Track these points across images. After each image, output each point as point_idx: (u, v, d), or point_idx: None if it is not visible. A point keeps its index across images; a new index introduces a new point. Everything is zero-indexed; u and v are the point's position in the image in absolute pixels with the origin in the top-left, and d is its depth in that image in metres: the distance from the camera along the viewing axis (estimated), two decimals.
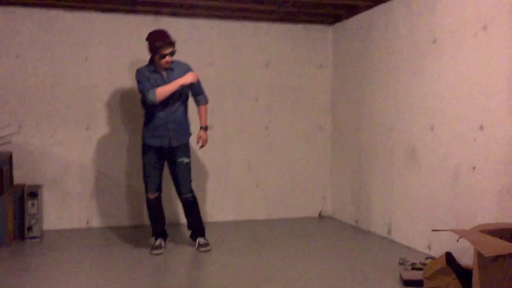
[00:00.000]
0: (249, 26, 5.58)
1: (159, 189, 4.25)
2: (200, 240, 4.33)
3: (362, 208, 5.16)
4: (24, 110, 4.97)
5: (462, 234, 2.58)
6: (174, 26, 5.22)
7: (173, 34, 5.19)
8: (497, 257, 2.49)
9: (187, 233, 4.52)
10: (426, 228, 4.13)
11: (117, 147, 5.23)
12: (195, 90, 4.33)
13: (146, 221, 5.30)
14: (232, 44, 5.54)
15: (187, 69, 4.20)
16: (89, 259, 4.12)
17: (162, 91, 4.02)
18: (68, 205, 5.10)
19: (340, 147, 5.64)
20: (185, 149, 4.23)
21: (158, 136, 4.10)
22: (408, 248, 4.35)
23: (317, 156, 5.82)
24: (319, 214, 5.84)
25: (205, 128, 4.38)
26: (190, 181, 4.28)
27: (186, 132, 4.24)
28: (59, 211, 5.07)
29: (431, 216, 4.10)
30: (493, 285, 2.60)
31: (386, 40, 4.72)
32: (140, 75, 4.11)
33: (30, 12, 4.96)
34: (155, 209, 4.27)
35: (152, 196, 4.22)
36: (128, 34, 5.21)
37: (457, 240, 3.00)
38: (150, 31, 5.16)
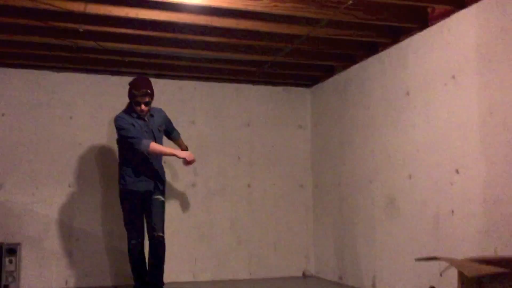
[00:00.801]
0: (231, 87, 5.78)
1: (142, 234, 4.22)
2: None
3: (346, 263, 5.15)
4: (7, 167, 4.98)
5: (444, 260, 2.62)
6: (159, 86, 5.36)
7: (158, 94, 5.38)
8: (480, 282, 2.53)
9: None
10: (411, 276, 4.14)
11: (99, 205, 5.21)
12: (170, 129, 4.63)
13: (127, 281, 5.20)
14: (214, 105, 5.72)
15: (163, 115, 4.51)
16: None
17: (157, 149, 4.15)
18: (47, 264, 4.99)
19: (322, 204, 5.70)
20: (162, 188, 4.29)
21: (144, 180, 4.12)
22: None
23: (299, 214, 5.86)
24: (303, 273, 5.79)
25: (186, 149, 4.63)
26: (164, 221, 4.26)
27: (163, 172, 4.38)
28: (37, 270, 4.95)
29: (416, 265, 4.11)
30: None
31: (362, 96, 4.93)
32: (122, 122, 4.19)
33: (16, 72, 5.09)
34: (138, 255, 4.23)
35: (135, 242, 4.19)
36: (112, 94, 5.34)
37: (440, 275, 3.04)
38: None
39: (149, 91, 4.17)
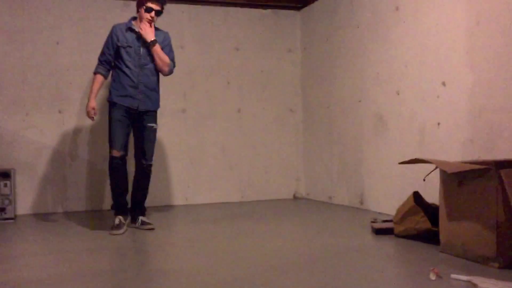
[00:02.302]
0: (219, 11, 5.69)
1: (124, 148, 4.03)
2: (143, 218, 4.13)
3: (335, 184, 5.26)
4: None
5: (426, 160, 2.69)
6: None
7: None
8: (461, 181, 2.60)
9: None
10: (397, 191, 4.25)
11: (90, 130, 5.24)
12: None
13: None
14: (203, 29, 5.64)
15: (165, 39, 4.13)
16: (60, 241, 3.80)
17: (92, 85, 4.07)
18: (42, 189, 5.07)
19: (312, 128, 5.75)
20: (154, 115, 4.13)
21: (127, 95, 4.00)
22: (380, 213, 4.45)
23: (290, 138, 5.92)
24: (294, 195, 5.91)
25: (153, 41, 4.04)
26: (153, 148, 4.16)
27: (156, 99, 4.14)
28: (33, 195, 5.04)
29: (401, 178, 4.21)
30: (459, 211, 2.71)
31: (351, 16, 4.88)
32: (109, 35, 4.07)
33: None
34: (118, 170, 4.03)
35: (116, 154, 3.99)
36: (98, 18, 5.26)
37: (424, 179, 3.12)
38: (120, 15, 5.27)
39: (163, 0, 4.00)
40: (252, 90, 5.81)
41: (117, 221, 3.98)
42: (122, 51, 4.01)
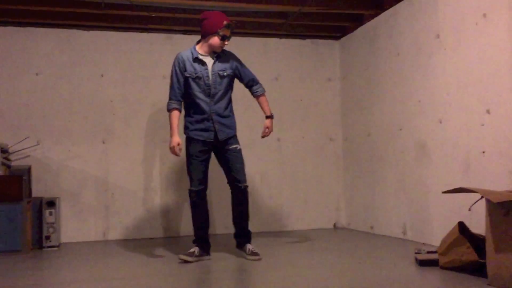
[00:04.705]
0: (258, 42, 5.77)
1: (204, 183, 3.93)
2: (250, 246, 3.96)
3: (376, 213, 5.17)
4: (43, 125, 5.14)
5: (471, 189, 2.61)
6: (186, 43, 5.42)
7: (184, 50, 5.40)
8: (508, 211, 2.52)
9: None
10: (441, 221, 4.14)
11: (132, 160, 5.34)
12: (247, 79, 4.08)
13: (163, 233, 5.36)
14: (243, 59, 5.69)
15: (231, 58, 4.02)
16: (107, 268, 3.92)
17: (170, 120, 3.90)
18: (85, 217, 5.18)
19: (352, 156, 5.69)
20: (234, 138, 3.99)
21: (202, 129, 3.88)
22: (423, 244, 4.34)
23: (329, 167, 5.88)
24: (334, 225, 5.84)
25: (270, 117, 4.11)
26: (244, 169, 3.98)
27: (231, 124, 4.00)
28: (76, 223, 5.14)
29: (445, 208, 4.11)
30: (507, 242, 2.61)
31: (391, 44, 4.86)
32: (174, 68, 3.91)
33: (48, 31, 5.20)
34: (198, 205, 3.93)
35: (195, 188, 3.90)
36: (141, 51, 5.41)
37: (469, 209, 3.03)
38: (162, 48, 5.43)
39: (233, 23, 3.88)
40: (292, 120, 5.82)
41: (192, 249, 3.88)
42: (191, 82, 3.89)
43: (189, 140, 3.95)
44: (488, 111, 3.66)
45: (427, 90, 4.33)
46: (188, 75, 3.90)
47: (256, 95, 4.16)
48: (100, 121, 5.30)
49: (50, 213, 4.73)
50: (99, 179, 5.25)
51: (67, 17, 5.03)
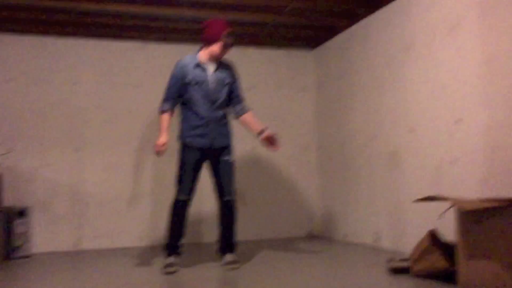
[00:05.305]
0: (234, 50, 5.78)
1: (191, 192, 3.91)
2: (229, 256, 3.98)
3: (350, 221, 5.22)
4: (15, 132, 5.06)
5: (442, 198, 2.66)
6: (161, 51, 5.45)
7: (160, 59, 5.44)
8: (479, 219, 2.57)
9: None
10: (413, 229, 4.19)
11: (107, 168, 5.29)
12: (236, 95, 4.06)
13: (137, 242, 5.31)
14: None
15: (230, 71, 4.03)
16: (79, 279, 3.93)
17: (160, 121, 3.89)
18: (57, 227, 5.10)
19: (326, 165, 5.74)
20: (229, 149, 3.98)
21: (199, 135, 3.87)
22: (395, 252, 4.39)
23: (304, 176, 5.92)
24: (308, 234, 5.86)
25: (265, 130, 4.05)
26: (233, 183, 3.99)
27: (228, 133, 4.00)
28: (48, 233, 5.06)
29: (417, 216, 4.17)
30: (477, 250, 2.66)
31: (364, 55, 4.94)
32: (174, 72, 3.91)
33: (21, 39, 5.14)
34: (180, 214, 3.88)
35: (182, 197, 3.87)
36: (115, 59, 5.39)
37: (439, 217, 3.08)
38: (136, 56, 5.41)
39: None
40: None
41: (170, 259, 3.83)
42: (191, 88, 3.88)
43: (184, 147, 3.92)
44: (458, 121, 3.73)
45: (399, 100, 4.41)
46: (188, 82, 3.88)
47: (242, 112, 4.11)
48: (73, 129, 5.24)
49: (21, 224, 4.64)
50: (72, 188, 5.19)
51: (40, 24, 4.97)
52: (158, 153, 3.89)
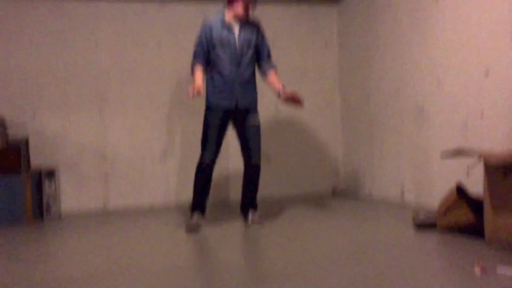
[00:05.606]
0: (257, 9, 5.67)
1: (216, 155, 3.91)
2: (253, 215, 4.02)
3: (375, 177, 5.19)
4: (38, 96, 5.10)
5: (469, 151, 2.61)
6: (180, 11, 5.39)
7: (180, 20, 5.37)
8: (506, 173, 2.53)
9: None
10: (439, 184, 4.16)
11: (130, 128, 5.32)
12: (263, 56, 4.03)
13: (165, 201, 5.38)
14: None
15: (257, 29, 4.00)
16: (109, 238, 3.99)
17: (193, 76, 3.84)
18: (84, 187, 5.19)
19: (351, 121, 5.69)
20: (255, 112, 3.97)
21: (225, 96, 3.84)
22: (421, 208, 4.37)
23: (328, 132, 5.88)
24: (333, 190, 5.87)
25: (283, 87, 4.01)
26: (260, 146, 3.99)
27: (254, 94, 3.97)
28: (76, 193, 5.16)
29: (444, 170, 4.12)
30: (505, 204, 2.63)
31: (389, 7, 4.79)
32: (201, 32, 3.88)
33: (42, 3, 5.11)
34: (205, 175, 3.92)
35: (207, 159, 3.89)
36: (134, 20, 5.33)
37: (467, 173, 3.04)
38: (156, 16, 5.35)
39: None
40: (289, 86, 5.72)
41: (194, 219, 3.90)
42: (218, 48, 3.84)
43: (208, 109, 3.92)
44: (487, 72, 3.63)
45: (425, 52, 4.30)
46: (215, 42, 3.85)
47: (267, 68, 4.06)
48: (96, 91, 5.25)
49: (50, 184, 4.74)
50: (98, 148, 5.24)
51: None
52: (192, 94, 3.74)
